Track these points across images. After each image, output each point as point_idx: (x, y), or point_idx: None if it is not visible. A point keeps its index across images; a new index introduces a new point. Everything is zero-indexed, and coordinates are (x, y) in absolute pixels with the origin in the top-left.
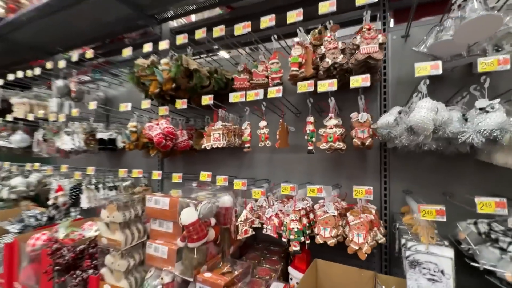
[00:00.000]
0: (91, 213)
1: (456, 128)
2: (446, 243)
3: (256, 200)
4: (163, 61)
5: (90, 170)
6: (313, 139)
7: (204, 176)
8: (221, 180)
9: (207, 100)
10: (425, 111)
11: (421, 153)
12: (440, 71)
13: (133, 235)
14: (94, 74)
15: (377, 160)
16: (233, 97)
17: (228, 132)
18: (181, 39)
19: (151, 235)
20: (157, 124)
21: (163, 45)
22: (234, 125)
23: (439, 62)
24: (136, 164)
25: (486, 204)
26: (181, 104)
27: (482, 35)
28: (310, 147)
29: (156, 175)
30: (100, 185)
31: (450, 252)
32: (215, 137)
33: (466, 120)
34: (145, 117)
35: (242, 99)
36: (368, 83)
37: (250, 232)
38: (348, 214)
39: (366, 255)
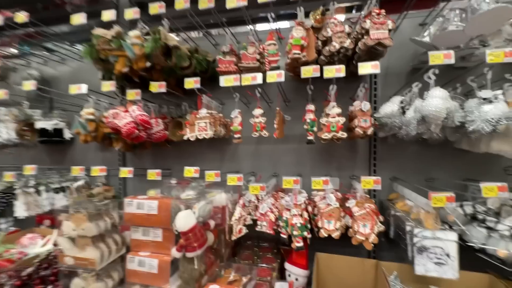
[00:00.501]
0: (29, 223)
1: (462, 117)
2: (447, 227)
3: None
4: (132, 33)
5: (30, 169)
6: (314, 128)
7: (190, 171)
8: (212, 176)
9: (192, 83)
10: (439, 100)
11: (406, 142)
12: (452, 61)
13: (110, 249)
14: (21, 47)
15: (366, 150)
16: (225, 81)
17: (215, 121)
18: (156, 8)
19: (132, 246)
20: (126, 111)
21: (131, 14)
22: (218, 113)
23: (452, 52)
24: (88, 159)
25: (489, 189)
26: (157, 87)
27: (493, 27)
28: (310, 137)
29: (126, 172)
30: (42, 188)
31: (454, 236)
32: (200, 127)
33: (462, 109)
34: (103, 102)
35: (236, 83)
36: (378, 70)
37: (244, 231)
38: (349, 205)
39: (373, 245)
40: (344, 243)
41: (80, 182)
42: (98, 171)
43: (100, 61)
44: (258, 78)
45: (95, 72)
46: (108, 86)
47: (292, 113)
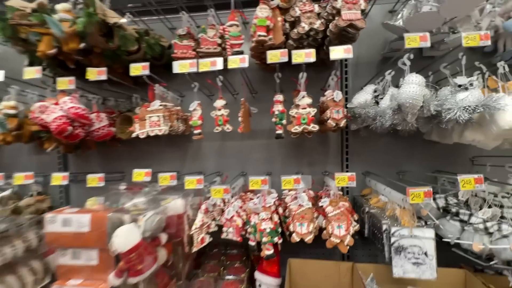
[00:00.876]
0: None
1: (438, 106)
2: (423, 223)
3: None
4: (61, 6)
5: None
6: (283, 121)
7: (141, 174)
8: (167, 179)
9: (139, 69)
10: (415, 86)
11: (377, 134)
12: (428, 43)
13: (23, 282)
14: None
15: (338, 143)
16: (180, 67)
17: (171, 114)
18: None
19: (58, 274)
20: (56, 104)
21: None
22: (176, 106)
23: (428, 34)
24: (19, 164)
25: (466, 181)
26: (96, 74)
27: (468, 8)
28: (279, 131)
29: (59, 178)
30: None
31: (431, 233)
32: (152, 121)
33: (436, 97)
34: (31, 93)
35: (192, 69)
36: (351, 55)
37: (208, 240)
38: (323, 204)
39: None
40: (317, 244)
41: (7, 192)
42: (23, 178)
43: (21, 41)
44: (218, 63)
45: (22, 58)
46: (33, 72)
47: (260, 106)
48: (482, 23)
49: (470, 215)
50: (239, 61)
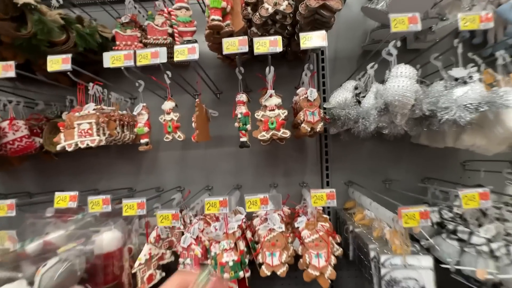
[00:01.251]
0: None
1: (432, 104)
2: (417, 247)
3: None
4: None
5: None
6: (248, 126)
7: (64, 199)
8: (98, 204)
9: (58, 63)
10: (406, 80)
11: (360, 138)
12: (419, 27)
13: None
14: None
15: (316, 150)
16: (112, 59)
17: (109, 121)
18: None
19: None
20: None
21: None
22: (121, 110)
23: (418, 15)
24: None
25: (470, 197)
26: (1, 70)
27: None
28: (244, 138)
29: None
30: None
31: (429, 261)
32: (82, 130)
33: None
34: None
35: (128, 63)
36: (325, 43)
37: (158, 276)
38: (299, 225)
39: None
40: (295, 267)
41: None
42: None
43: None
44: (161, 55)
45: None
46: None
47: (226, 108)
48: (476, 8)
49: (471, 233)
50: (188, 52)
